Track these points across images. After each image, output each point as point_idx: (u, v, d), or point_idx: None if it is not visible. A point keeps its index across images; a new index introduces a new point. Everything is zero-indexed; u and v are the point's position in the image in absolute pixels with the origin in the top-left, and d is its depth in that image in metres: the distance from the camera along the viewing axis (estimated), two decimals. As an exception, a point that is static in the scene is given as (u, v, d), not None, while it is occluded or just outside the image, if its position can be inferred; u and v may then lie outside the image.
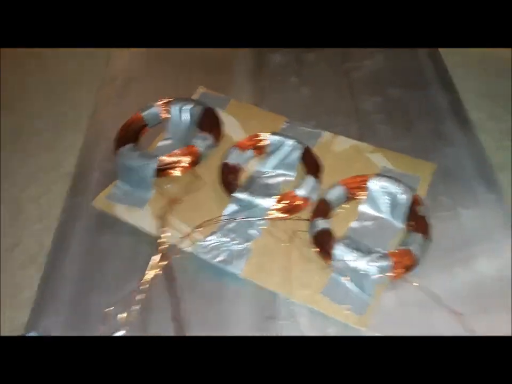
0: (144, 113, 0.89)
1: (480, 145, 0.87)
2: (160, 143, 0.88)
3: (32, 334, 0.64)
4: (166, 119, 0.90)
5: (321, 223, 0.74)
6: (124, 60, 1.11)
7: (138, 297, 0.68)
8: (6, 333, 1.25)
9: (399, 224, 0.76)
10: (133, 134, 0.87)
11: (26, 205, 1.54)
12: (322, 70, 1.05)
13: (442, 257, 0.73)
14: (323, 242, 0.72)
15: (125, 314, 0.66)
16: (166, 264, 0.72)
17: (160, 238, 0.74)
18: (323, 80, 1.03)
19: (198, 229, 0.75)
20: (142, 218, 0.78)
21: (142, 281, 0.70)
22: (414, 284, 0.69)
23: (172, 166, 0.82)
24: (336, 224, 0.75)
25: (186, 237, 0.75)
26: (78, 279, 0.72)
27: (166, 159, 0.81)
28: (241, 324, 0.67)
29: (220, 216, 0.77)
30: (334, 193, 0.77)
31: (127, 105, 0.96)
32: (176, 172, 0.82)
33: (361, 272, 0.69)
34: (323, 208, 0.76)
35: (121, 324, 0.65)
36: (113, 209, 0.79)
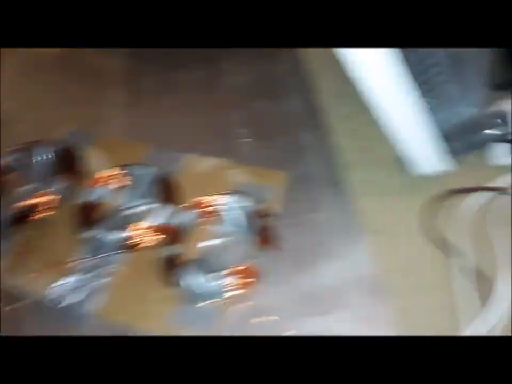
0: (5, 160, 0.90)
1: (333, 148, 0.89)
2: (21, 189, 0.89)
3: None
4: (27, 164, 0.91)
5: (170, 249, 0.76)
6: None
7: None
8: None
9: (249, 238, 0.78)
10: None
11: None
12: (192, 89, 1.07)
13: (293, 264, 0.75)
14: (172, 268, 0.74)
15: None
16: (13, 314, 0.73)
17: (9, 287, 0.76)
18: (192, 99, 1.05)
19: (50, 273, 0.77)
20: None
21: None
22: (250, 302, 0.72)
23: (30, 211, 0.83)
24: (188, 247, 0.77)
25: (37, 283, 0.76)
26: None
27: (24, 205, 0.82)
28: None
29: (74, 258, 0.78)
30: (186, 216, 0.80)
31: None
32: (35, 217, 0.83)
33: (206, 293, 0.71)
34: (174, 233, 0.78)
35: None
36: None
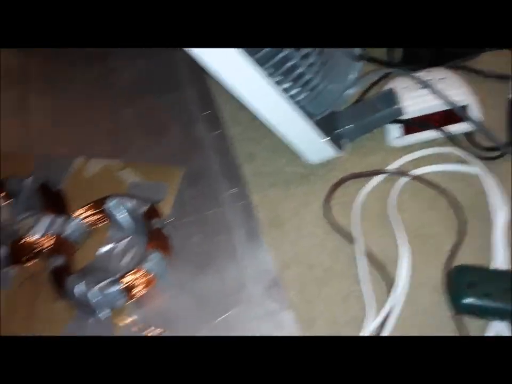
0: None
1: (227, 140, 0.86)
2: None
3: None
4: None
5: (57, 260, 0.71)
6: None
7: None
8: None
9: (141, 242, 0.74)
10: None
11: None
12: (80, 89, 1.01)
13: (189, 266, 0.72)
14: (62, 280, 0.69)
15: None
16: None
17: None
18: (84, 99, 0.99)
19: None
20: None
21: None
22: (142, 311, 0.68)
23: None
24: (78, 256, 0.73)
25: None
26: None
27: None
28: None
29: None
30: (74, 224, 0.74)
31: None
32: None
33: (100, 302, 0.66)
34: (62, 243, 0.73)
35: None
36: None
